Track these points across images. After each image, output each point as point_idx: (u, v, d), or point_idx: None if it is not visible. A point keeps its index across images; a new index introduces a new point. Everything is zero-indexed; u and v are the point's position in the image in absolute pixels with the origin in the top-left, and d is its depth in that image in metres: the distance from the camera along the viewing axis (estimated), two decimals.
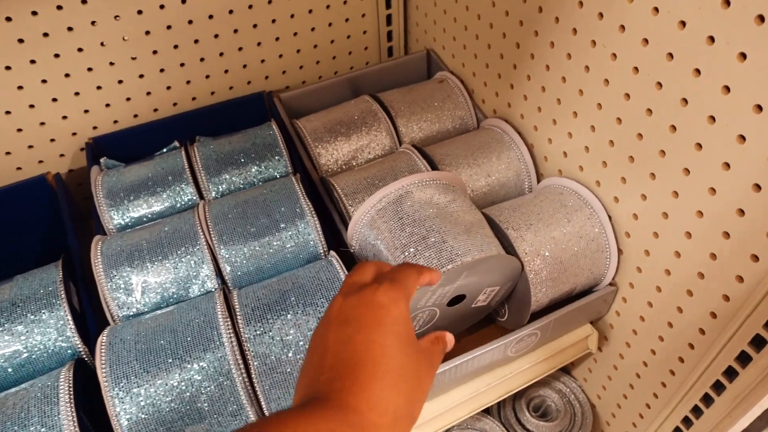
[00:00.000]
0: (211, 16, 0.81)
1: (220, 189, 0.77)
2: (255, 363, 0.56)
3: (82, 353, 0.62)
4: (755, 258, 0.49)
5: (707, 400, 0.59)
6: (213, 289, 0.66)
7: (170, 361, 0.55)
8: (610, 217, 0.66)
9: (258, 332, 0.57)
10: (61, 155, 0.86)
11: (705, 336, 0.58)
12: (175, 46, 0.82)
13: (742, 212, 0.49)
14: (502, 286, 0.64)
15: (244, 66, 0.89)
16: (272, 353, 0.56)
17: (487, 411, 0.85)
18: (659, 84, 0.53)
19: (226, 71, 0.88)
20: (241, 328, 0.57)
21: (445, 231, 0.59)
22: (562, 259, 0.64)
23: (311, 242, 0.68)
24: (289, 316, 0.58)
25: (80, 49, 0.77)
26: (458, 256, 0.57)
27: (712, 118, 0.49)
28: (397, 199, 0.62)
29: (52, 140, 0.83)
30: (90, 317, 0.64)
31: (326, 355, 0.36)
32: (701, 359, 0.58)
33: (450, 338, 0.43)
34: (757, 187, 0.47)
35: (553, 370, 0.72)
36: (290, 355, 0.56)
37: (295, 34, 0.89)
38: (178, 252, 0.65)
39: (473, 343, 0.65)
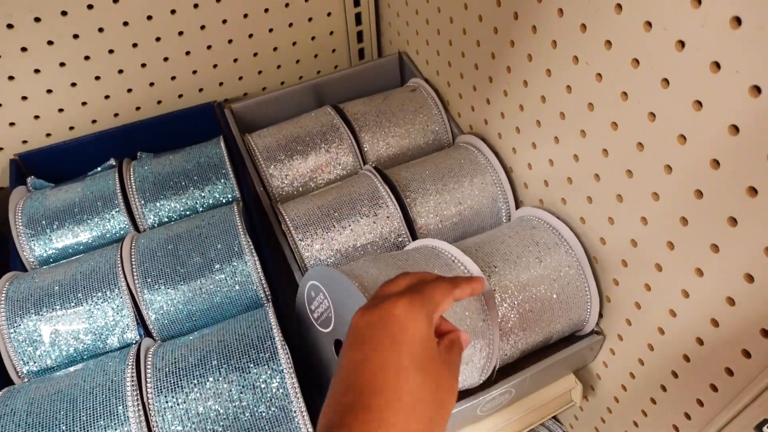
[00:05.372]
0: (150, 17, 0.72)
1: (160, 216, 0.68)
2: None
3: None
4: (765, 333, 0.40)
5: None
6: (134, 341, 0.57)
7: None
8: (596, 259, 0.56)
9: (170, 404, 0.48)
10: None
11: (703, 408, 0.49)
12: (111, 51, 0.72)
13: (750, 278, 0.40)
14: None
15: (194, 72, 0.79)
16: (185, 429, 0.47)
17: None
18: (652, 114, 0.43)
19: (174, 78, 0.78)
20: (150, 398, 0.48)
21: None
22: (533, 308, 0.55)
23: (251, 285, 0.59)
24: (208, 383, 0.49)
25: None
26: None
27: (716, 162, 0.39)
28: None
29: None
30: None
31: (343, 379, 0.34)
32: None
33: (465, 338, 0.39)
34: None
35: (531, 427, 0.63)
36: (208, 430, 0.48)
37: (251, 35, 0.79)
38: (95, 297, 0.57)
39: None
